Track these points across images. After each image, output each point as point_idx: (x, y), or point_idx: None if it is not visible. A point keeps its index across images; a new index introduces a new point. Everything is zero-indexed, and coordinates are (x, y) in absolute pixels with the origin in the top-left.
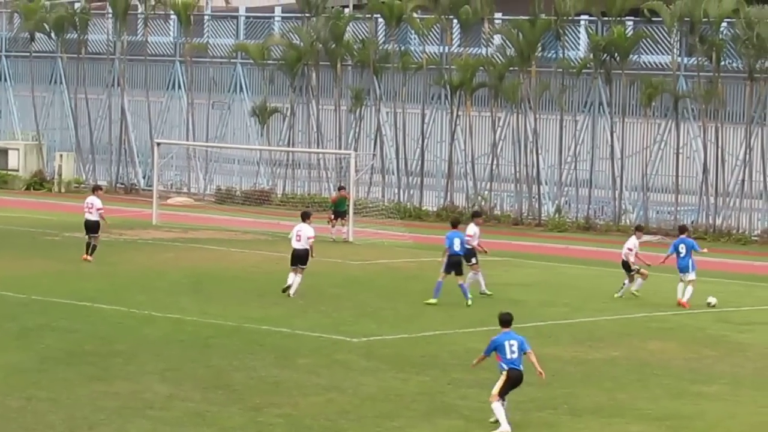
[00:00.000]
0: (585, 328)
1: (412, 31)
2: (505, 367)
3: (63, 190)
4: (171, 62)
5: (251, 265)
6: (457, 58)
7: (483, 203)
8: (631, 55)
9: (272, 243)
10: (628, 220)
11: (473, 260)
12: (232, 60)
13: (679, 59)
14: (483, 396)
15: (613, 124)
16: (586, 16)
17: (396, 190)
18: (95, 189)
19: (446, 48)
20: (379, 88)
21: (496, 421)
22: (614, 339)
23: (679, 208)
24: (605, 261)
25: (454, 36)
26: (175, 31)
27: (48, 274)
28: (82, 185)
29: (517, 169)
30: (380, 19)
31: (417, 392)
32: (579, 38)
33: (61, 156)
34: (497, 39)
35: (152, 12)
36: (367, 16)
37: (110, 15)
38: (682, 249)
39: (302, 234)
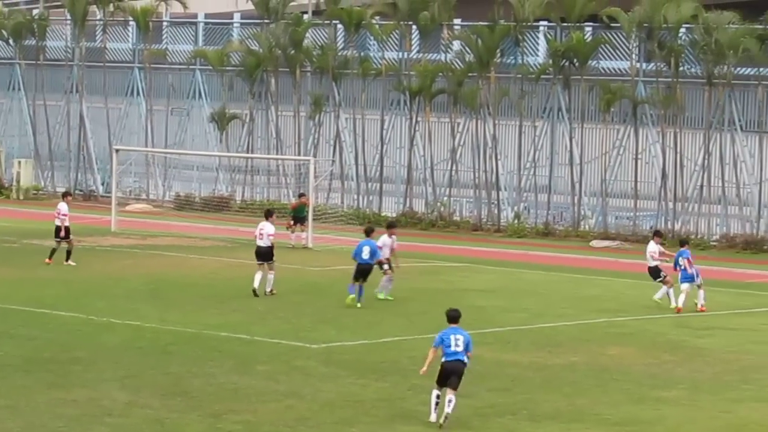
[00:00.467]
0: (544, 333)
1: (372, 38)
2: (445, 358)
3: (21, 197)
4: (130, 68)
5: (210, 271)
6: (416, 64)
7: (442, 209)
8: (590, 61)
9: (231, 249)
10: (587, 226)
11: (385, 266)
12: (191, 66)
13: (638, 65)
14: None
15: (572, 130)
16: (545, 22)
17: (355, 196)
18: (65, 195)
19: (405, 54)
20: (339, 94)
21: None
22: (574, 344)
23: (638, 214)
24: (565, 266)
25: (413, 42)
26: (134, 38)
27: (6, 281)
28: (41, 192)
29: (477, 175)
30: (339, 26)
31: (376, 398)
32: (538, 44)
33: (19, 163)
34: (456, 45)
35: (111, 18)
36: (326, 22)
37: (69, 21)
38: (682, 261)
39: (264, 232)
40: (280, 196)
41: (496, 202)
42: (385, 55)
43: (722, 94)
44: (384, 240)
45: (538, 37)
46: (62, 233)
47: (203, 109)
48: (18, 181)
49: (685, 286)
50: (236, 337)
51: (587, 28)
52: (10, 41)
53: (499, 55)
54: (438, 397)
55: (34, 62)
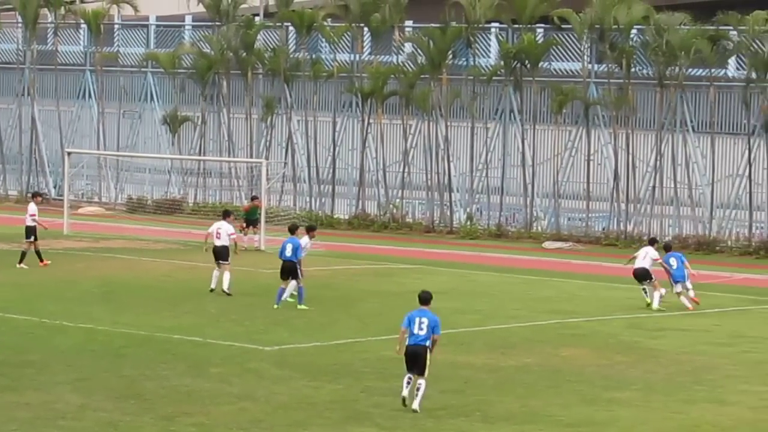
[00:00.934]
0: (497, 335)
1: (323, 40)
2: (408, 341)
3: None
4: (81, 71)
5: (163, 274)
6: (368, 66)
7: (395, 211)
8: (541, 63)
9: (184, 252)
10: (539, 227)
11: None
12: (142, 69)
13: (590, 66)
14: (396, 404)
15: (524, 132)
16: (496, 24)
17: (308, 199)
18: (34, 195)
19: (357, 56)
20: (290, 96)
21: None
22: (527, 346)
23: (590, 215)
24: (517, 268)
25: (365, 44)
26: (86, 41)
27: None
28: None
29: (429, 177)
30: (291, 28)
31: (329, 400)
32: (490, 46)
33: None
34: (408, 47)
35: (62, 21)
36: (277, 24)
37: (20, 24)
38: (674, 262)
39: (222, 231)
40: (232, 198)
41: (448, 204)
42: (337, 57)
43: (674, 95)
44: (304, 241)
45: (489, 39)
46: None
47: (155, 111)
48: None
49: (678, 287)
50: (189, 340)
51: (539, 30)
52: None
53: (450, 56)
54: (410, 378)
55: None
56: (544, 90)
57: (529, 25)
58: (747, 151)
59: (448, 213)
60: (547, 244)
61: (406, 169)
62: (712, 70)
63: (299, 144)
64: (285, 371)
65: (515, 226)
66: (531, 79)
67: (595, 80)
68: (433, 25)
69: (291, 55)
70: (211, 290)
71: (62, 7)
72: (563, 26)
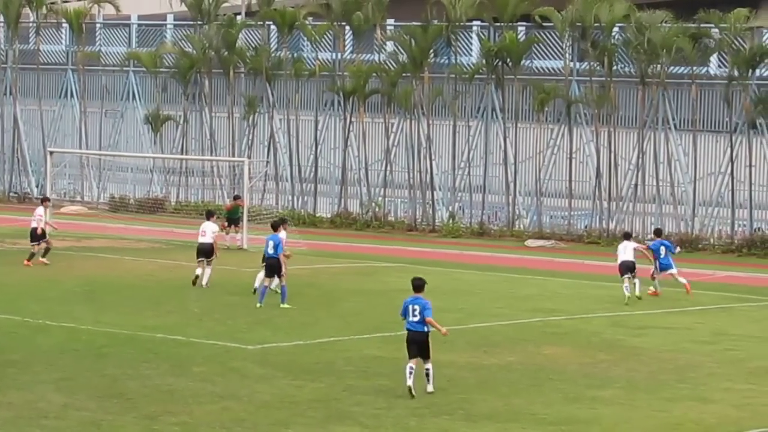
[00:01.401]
0: (480, 333)
1: (305, 38)
2: (406, 328)
3: None
4: (63, 71)
5: (145, 273)
6: (349, 64)
7: (377, 209)
8: (523, 61)
9: (166, 251)
10: (521, 225)
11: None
12: (124, 68)
13: (572, 64)
14: (379, 402)
15: (506, 130)
16: (478, 22)
17: (290, 197)
18: (44, 200)
19: (339, 55)
20: (272, 95)
21: None
22: (509, 344)
23: (572, 213)
24: (499, 266)
25: (346, 42)
26: (68, 40)
27: None
28: None
29: (411, 175)
30: (273, 27)
31: (312, 399)
32: (471, 44)
33: None
34: (390, 45)
35: (44, 20)
36: (259, 23)
37: (1, 24)
38: (662, 250)
39: (207, 230)
40: (215, 197)
41: (430, 202)
42: (319, 56)
43: (656, 93)
44: (283, 235)
45: (471, 37)
46: (39, 233)
47: (137, 110)
48: None
49: (672, 271)
50: (172, 339)
51: (520, 28)
52: None
53: (432, 55)
54: (411, 368)
55: None
56: (526, 88)
57: (510, 24)
58: (729, 149)
59: (431, 211)
60: (530, 243)
61: (389, 168)
62: (694, 68)
63: (281, 143)
64: (267, 370)
65: (497, 225)
66: (513, 77)
67: (577, 78)
68: (414, 23)
69: (273, 54)
70: (193, 280)
71: (44, 7)
72: (545, 24)
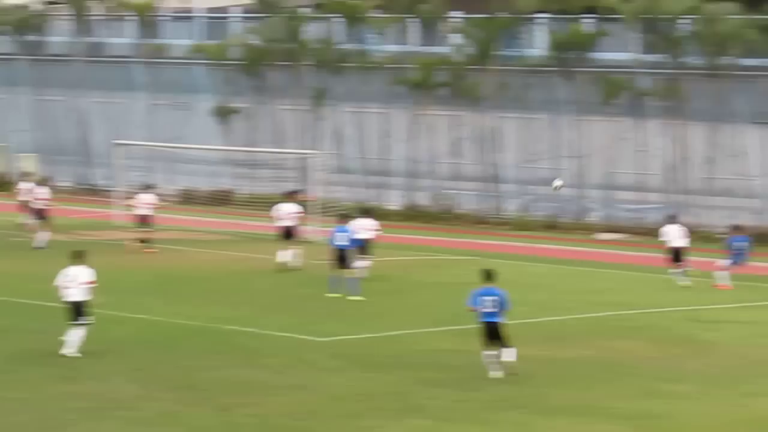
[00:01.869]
0: (552, 327)
1: (371, 30)
2: (481, 319)
3: None
4: (130, 63)
5: (216, 265)
6: (416, 57)
7: (445, 202)
8: (590, 53)
9: (236, 243)
10: (591, 219)
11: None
12: (191, 61)
13: (640, 56)
14: (451, 395)
15: (574, 122)
16: (543, 14)
17: (357, 190)
18: (147, 187)
19: (405, 47)
20: (339, 87)
21: None
22: (582, 338)
23: (642, 206)
24: (570, 260)
25: (413, 35)
26: (134, 32)
27: (16, 275)
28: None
29: (480, 168)
30: (339, 19)
31: (384, 392)
32: (538, 36)
33: (25, 158)
34: (456, 37)
35: (111, 13)
36: (325, 15)
37: (70, 17)
38: (740, 245)
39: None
40: (282, 190)
41: (499, 195)
42: (385, 48)
43: (726, 85)
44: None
45: (537, 30)
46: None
47: (204, 103)
48: (24, 176)
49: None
50: (245, 331)
51: (587, 20)
52: (12, 36)
53: (498, 47)
54: (489, 356)
55: (35, 57)
56: (594, 80)
57: (576, 15)
58: None
59: (500, 204)
60: (600, 236)
61: (457, 160)
62: (765, 60)
63: (348, 135)
64: (339, 362)
65: (567, 218)
66: (580, 69)
67: (645, 70)
68: (480, 15)
69: (339, 46)
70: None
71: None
72: (612, 16)
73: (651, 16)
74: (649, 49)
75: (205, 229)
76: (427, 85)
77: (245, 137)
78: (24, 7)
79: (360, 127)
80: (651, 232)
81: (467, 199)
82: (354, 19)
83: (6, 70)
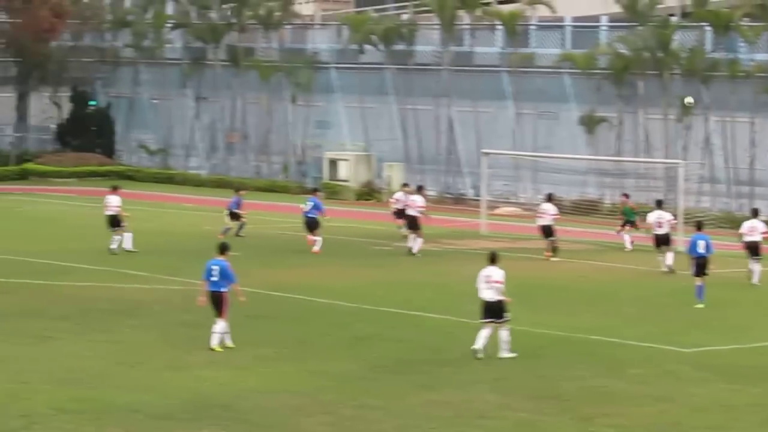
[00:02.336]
0: None
1: (741, 39)
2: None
3: None
4: (497, 72)
5: (580, 274)
6: None
7: None
8: None
9: (600, 252)
10: None
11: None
12: (558, 70)
13: None
14: None
15: None
16: None
17: (725, 200)
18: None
19: None
20: (707, 97)
21: None
22: None
23: None
24: None
25: None
26: (502, 42)
27: (378, 284)
28: None
29: None
30: (707, 27)
31: (749, 404)
32: None
33: (390, 167)
34: None
35: (478, 23)
36: (694, 24)
37: (437, 26)
38: None
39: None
40: (648, 200)
41: None
42: (755, 57)
43: None
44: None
45: None
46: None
47: (571, 112)
48: (389, 185)
49: None
50: (607, 341)
51: None
52: (381, 46)
53: None
54: None
55: (403, 67)
56: None
57: None
58: None
59: None
60: None
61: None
62: None
63: (716, 145)
64: (704, 373)
65: None
66: None
67: None
68: None
69: (707, 55)
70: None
71: (478, 9)
72: None
73: None
74: None
75: (569, 238)
76: None
77: (611, 146)
78: (393, 17)
79: (727, 136)
80: None
81: None
82: (723, 27)
83: (374, 80)
